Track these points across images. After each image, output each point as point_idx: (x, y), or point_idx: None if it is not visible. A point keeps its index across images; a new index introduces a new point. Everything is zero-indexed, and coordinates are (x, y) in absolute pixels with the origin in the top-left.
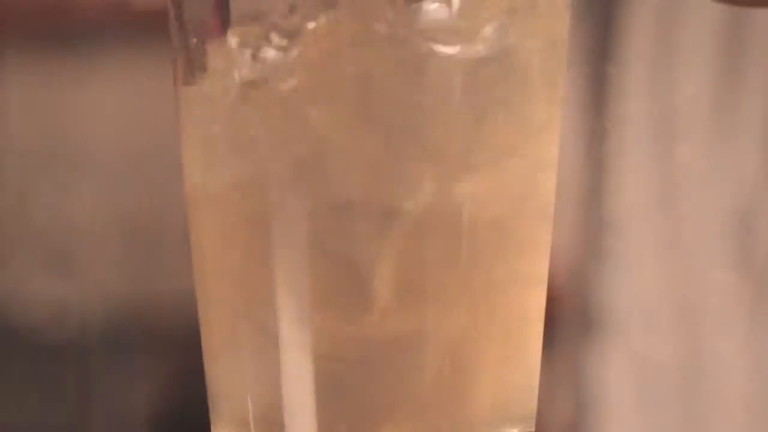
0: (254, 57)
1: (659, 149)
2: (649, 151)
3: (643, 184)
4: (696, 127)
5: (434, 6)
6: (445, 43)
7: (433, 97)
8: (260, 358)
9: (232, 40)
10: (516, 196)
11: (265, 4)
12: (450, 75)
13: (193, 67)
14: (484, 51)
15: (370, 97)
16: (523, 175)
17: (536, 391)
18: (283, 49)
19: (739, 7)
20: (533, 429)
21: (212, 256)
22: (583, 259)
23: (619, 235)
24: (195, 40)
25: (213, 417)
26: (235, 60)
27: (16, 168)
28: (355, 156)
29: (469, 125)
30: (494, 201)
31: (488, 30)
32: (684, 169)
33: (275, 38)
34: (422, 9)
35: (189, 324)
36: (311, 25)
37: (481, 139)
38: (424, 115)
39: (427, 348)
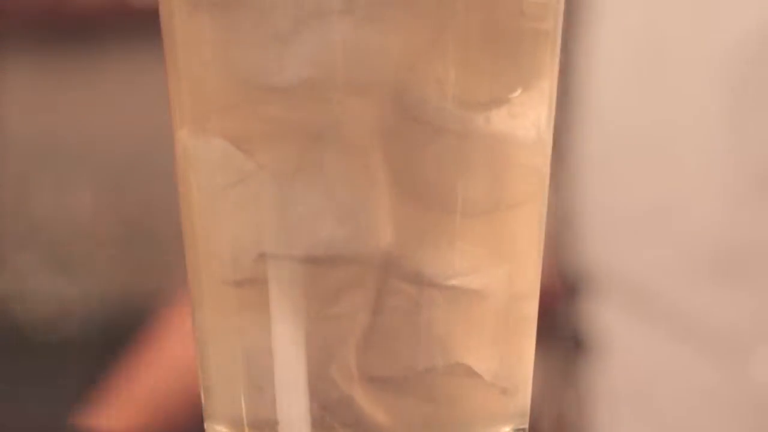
0: None
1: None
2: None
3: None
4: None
5: None
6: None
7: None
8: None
9: None
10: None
11: None
12: None
13: None
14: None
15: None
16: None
17: (530, 388)
18: None
19: None
20: (527, 426)
21: (205, 242)
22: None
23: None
24: None
25: (206, 412)
26: None
27: (16, 167)
28: None
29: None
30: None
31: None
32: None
33: None
34: None
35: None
36: None
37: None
38: None
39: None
